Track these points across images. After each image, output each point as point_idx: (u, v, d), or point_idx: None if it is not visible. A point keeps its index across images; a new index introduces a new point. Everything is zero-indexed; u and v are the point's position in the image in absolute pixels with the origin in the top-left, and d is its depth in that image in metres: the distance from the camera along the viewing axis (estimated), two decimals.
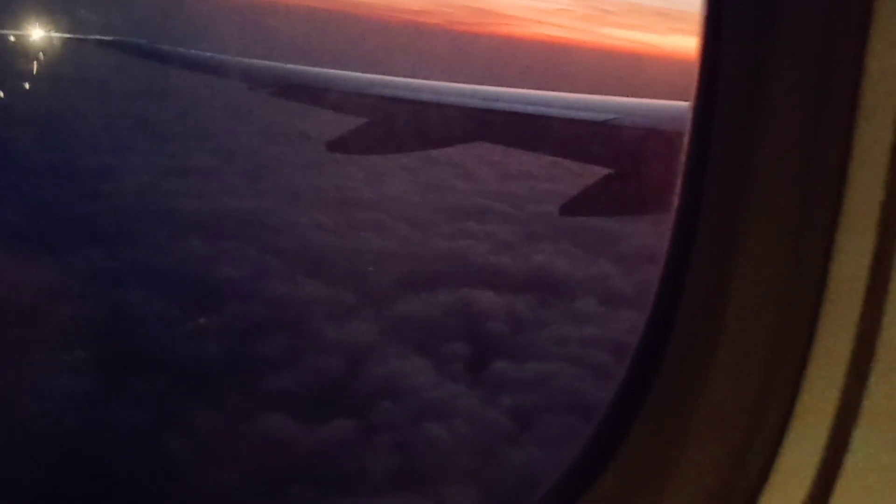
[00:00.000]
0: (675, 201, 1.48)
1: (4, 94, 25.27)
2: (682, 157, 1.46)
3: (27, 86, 26.09)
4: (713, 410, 1.43)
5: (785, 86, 1.33)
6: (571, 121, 8.85)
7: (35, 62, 25.14)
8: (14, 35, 24.27)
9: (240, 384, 12.93)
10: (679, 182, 1.47)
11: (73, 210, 19.21)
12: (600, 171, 8.30)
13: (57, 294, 14.50)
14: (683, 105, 1.49)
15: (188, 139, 27.12)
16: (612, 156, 8.07)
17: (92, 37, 23.39)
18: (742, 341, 1.39)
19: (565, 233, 20.02)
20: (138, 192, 20.86)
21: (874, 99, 1.28)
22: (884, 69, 1.27)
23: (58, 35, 25.26)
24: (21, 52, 24.66)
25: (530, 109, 9.54)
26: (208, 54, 15.41)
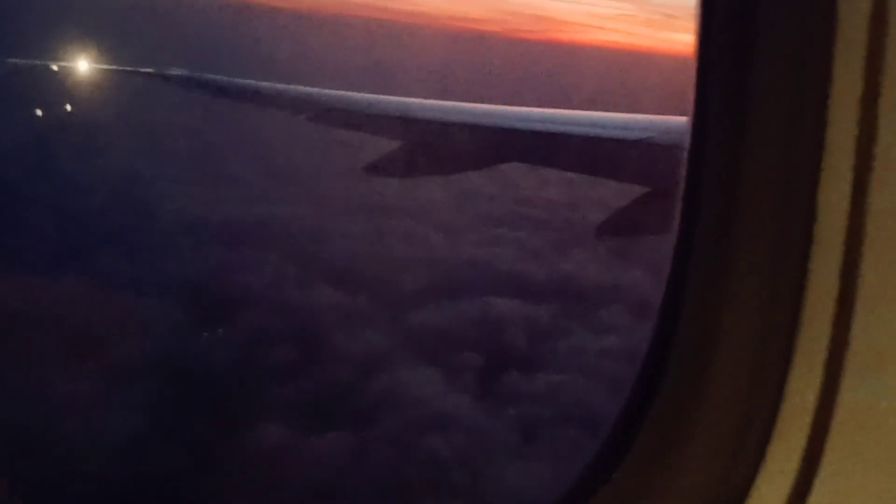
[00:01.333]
0: (677, 218, 1.58)
1: (47, 126, 25.66)
2: (682, 174, 1.58)
3: (69, 111, 26.62)
4: (709, 417, 1.55)
5: (761, 110, 1.45)
6: (606, 139, 8.81)
7: (73, 94, 25.69)
8: (57, 66, 24.91)
9: (243, 392, 12.78)
10: (680, 199, 1.57)
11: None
12: (636, 190, 8.32)
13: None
14: None
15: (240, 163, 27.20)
16: (649, 174, 8.02)
17: (128, 68, 23.96)
18: (732, 350, 1.52)
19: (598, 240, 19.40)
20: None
21: (840, 112, 1.41)
22: (847, 86, 1.40)
23: (94, 66, 25.80)
24: (58, 84, 25.23)
25: (563, 129, 9.57)
26: (245, 81, 15.74)
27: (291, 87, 13.95)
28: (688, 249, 1.55)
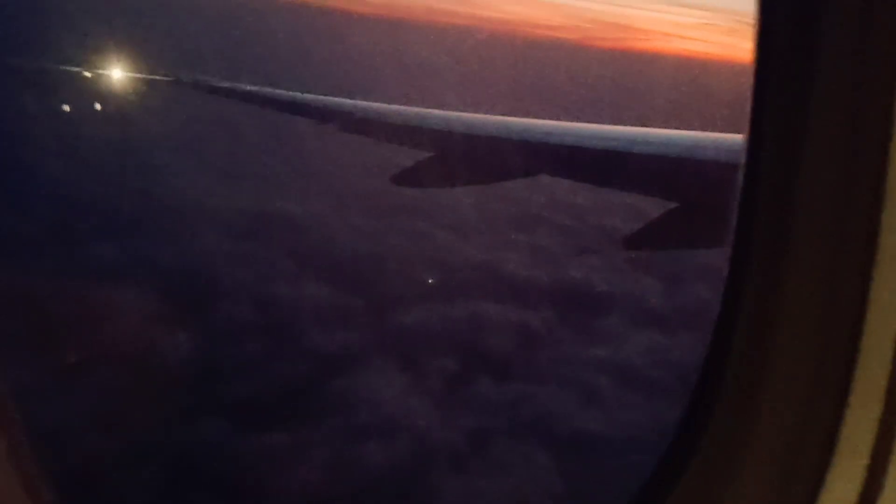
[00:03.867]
0: (732, 231, 1.53)
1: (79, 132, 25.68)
2: (738, 189, 1.53)
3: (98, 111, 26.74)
4: (768, 430, 1.49)
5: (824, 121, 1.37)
6: (633, 155, 8.83)
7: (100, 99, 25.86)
8: (88, 73, 25.16)
9: (197, 386, 12.29)
10: (735, 213, 1.53)
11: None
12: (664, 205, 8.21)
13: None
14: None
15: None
16: (676, 189, 8.02)
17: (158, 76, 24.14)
18: (786, 380, 1.46)
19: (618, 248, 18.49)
20: None
21: None
22: None
23: (121, 74, 26.00)
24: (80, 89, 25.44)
25: (589, 143, 9.67)
26: (277, 91, 16.13)
27: (317, 96, 14.03)
28: (743, 268, 1.49)
